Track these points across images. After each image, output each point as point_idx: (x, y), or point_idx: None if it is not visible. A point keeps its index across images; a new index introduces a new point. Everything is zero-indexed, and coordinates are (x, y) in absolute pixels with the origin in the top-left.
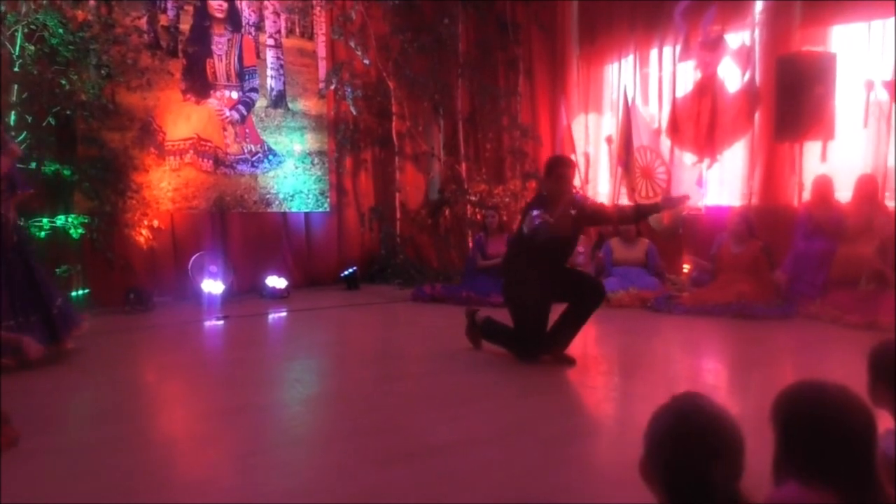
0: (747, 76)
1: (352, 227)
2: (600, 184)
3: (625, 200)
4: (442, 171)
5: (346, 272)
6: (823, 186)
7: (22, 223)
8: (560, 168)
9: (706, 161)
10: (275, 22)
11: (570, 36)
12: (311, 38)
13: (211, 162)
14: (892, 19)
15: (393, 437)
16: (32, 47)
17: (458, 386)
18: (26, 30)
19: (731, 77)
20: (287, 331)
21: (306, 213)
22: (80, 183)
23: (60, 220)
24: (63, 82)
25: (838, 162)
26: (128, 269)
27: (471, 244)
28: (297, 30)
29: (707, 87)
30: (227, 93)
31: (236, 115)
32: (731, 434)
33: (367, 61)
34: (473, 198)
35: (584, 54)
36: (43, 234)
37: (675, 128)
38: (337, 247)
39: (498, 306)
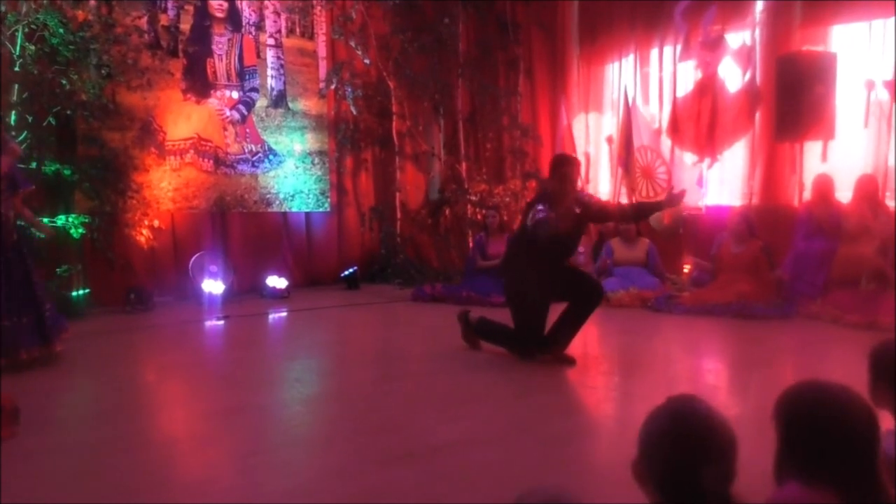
0: (748, 76)
1: (352, 226)
2: (601, 184)
3: (625, 200)
4: (442, 171)
5: (346, 272)
6: (823, 186)
7: (21, 223)
8: (564, 167)
9: (706, 161)
10: (275, 21)
11: (570, 35)
12: (311, 37)
13: (211, 162)
14: (893, 19)
15: (393, 436)
16: (33, 47)
17: (458, 386)
18: (27, 29)
19: (732, 77)
20: (287, 330)
21: (307, 213)
22: (81, 183)
23: (61, 220)
24: (63, 82)
25: (839, 162)
26: (128, 268)
27: (471, 244)
28: (298, 29)
29: (707, 87)
30: (227, 92)
31: (237, 115)
32: (724, 437)
33: (367, 61)
34: (474, 197)
35: (584, 54)
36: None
37: (675, 127)
38: (337, 246)
39: (498, 306)
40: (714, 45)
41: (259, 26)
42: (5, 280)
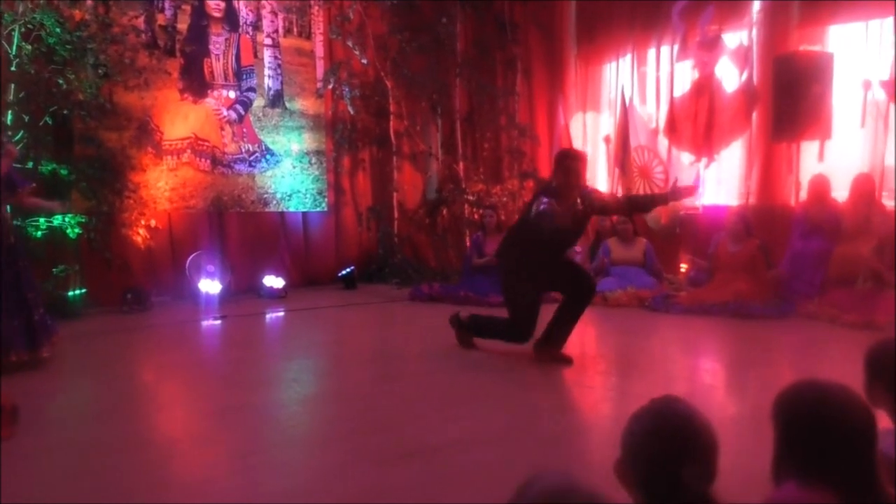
0: (745, 76)
1: (349, 226)
2: (598, 183)
3: None
4: (440, 171)
5: (343, 272)
6: (820, 186)
7: (19, 223)
8: (569, 161)
9: (704, 160)
10: (272, 21)
11: (568, 35)
12: (308, 37)
13: (208, 161)
14: (890, 19)
15: (391, 436)
16: (29, 46)
17: (456, 385)
18: (23, 29)
19: (729, 77)
20: (285, 330)
21: (304, 213)
22: (78, 182)
23: (57, 220)
24: (60, 81)
25: (835, 161)
26: (125, 268)
27: (468, 244)
28: (295, 29)
29: (705, 87)
30: (224, 92)
31: (234, 115)
32: (703, 437)
33: (364, 61)
34: (471, 197)
35: (581, 54)
36: (40, 233)
37: (672, 127)
38: (335, 246)
39: (496, 306)
40: (711, 45)
41: (256, 26)
42: None
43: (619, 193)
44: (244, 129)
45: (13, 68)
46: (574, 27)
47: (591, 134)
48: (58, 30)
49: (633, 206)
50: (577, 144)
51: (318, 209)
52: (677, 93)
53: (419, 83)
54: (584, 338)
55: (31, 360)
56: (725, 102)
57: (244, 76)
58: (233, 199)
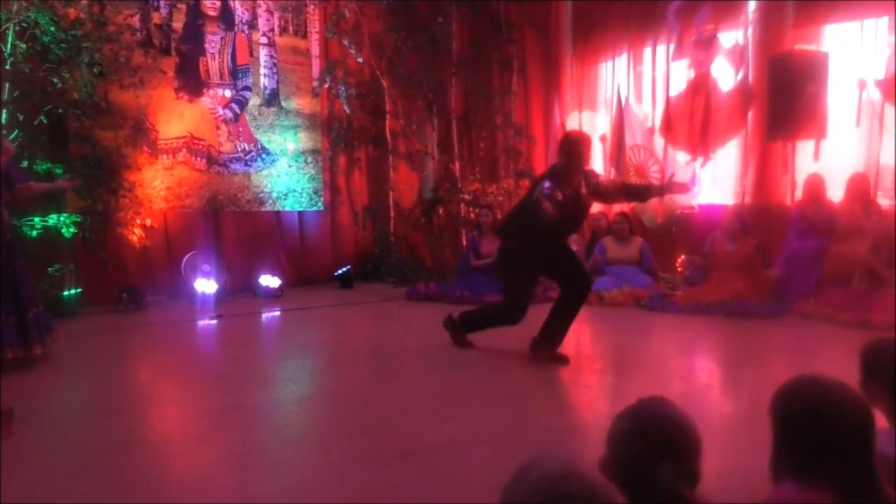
0: (740, 75)
1: (345, 225)
2: None
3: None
4: (436, 170)
5: (339, 271)
6: (815, 185)
7: (15, 222)
8: (572, 144)
9: (699, 160)
10: (268, 20)
11: (563, 34)
12: (304, 36)
13: (204, 160)
14: (885, 18)
15: (388, 436)
16: (24, 45)
17: (452, 385)
18: (18, 28)
19: (725, 76)
20: (281, 330)
21: (300, 212)
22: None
23: (53, 219)
24: (55, 80)
25: (831, 160)
26: (121, 268)
27: (465, 243)
28: (291, 28)
29: (700, 86)
30: (220, 91)
31: (229, 114)
32: (681, 436)
33: (360, 60)
34: (467, 196)
35: (577, 53)
36: (35, 233)
37: (668, 126)
38: (331, 245)
39: None
40: (707, 45)
41: (252, 25)
42: None
43: (614, 176)
44: (240, 128)
45: (8, 67)
46: (570, 26)
47: (587, 133)
48: (52, 28)
49: (630, 194)
50: None
51: (314, 208)
52: (673, 92)
53: (415, 82)
54: (580, 337)
55: (25, 358)
56: (721, 102)
57: (240, 75)
58: (228, 199)
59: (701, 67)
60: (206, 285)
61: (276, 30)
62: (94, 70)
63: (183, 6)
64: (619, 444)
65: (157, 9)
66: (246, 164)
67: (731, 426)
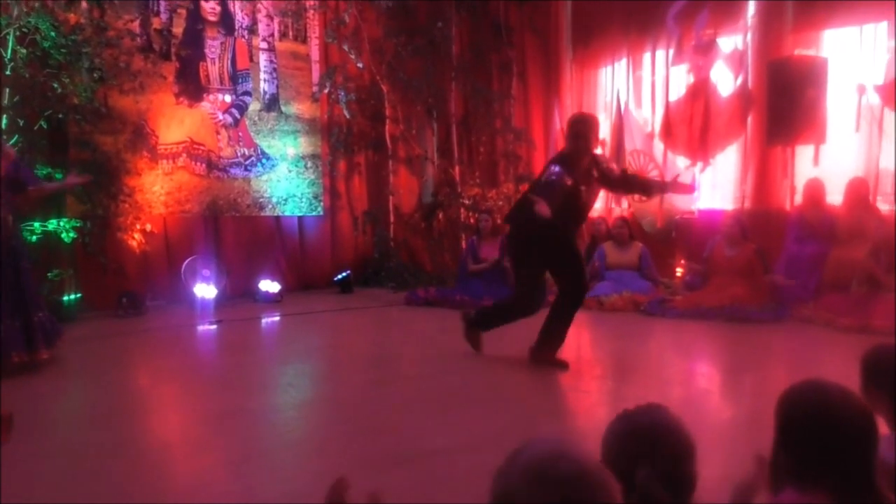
0: (740, 80)
1: (345, 230)
2: None
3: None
4: (435, 175)
5: (339, 276)
6: (815, 190)
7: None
8: (578, 125)
9: (699, 164)
10: (268, 25)
11: (563, 39)
12: (304, 41)
13: (204, 165)
14: (884, 23)
15: (387, 441)
16: (24, 50)
17: (452, 389)
18: (18, 33)
19: (724, 81)
20: (281, 335)
21: (300, 217)
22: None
23: (52, 224)
24: (55, 85)
25: (830, 165)
26: (120, 273)
27: (464, 247)
28: (291, 33)
29: (700, 91)
30: (220, 96)
31: (229, 119)
32: (670, 443)
33: (360, 65)
34: (467, 201)
35: (577, 57)
36: (35, 238)
37: (668, 131)
38: (330, 250)
39: None
40: (706, 49)
41: (252, 30)
42: None
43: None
44: (240, 133)
45: (8, 72)
46: (570, 31)
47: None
48: (53, 33)
49: (632, 185)
50: None
51: (314, 213)
52: (672, 97)
53: (415, 87)
54: (579, 342)
55: (31, 362)
56: (720, 106)
57: (240, 80)
58: (228, 204)
59: (700, 72)
60: (205, 290)
61: (276, 35)
62: (95, 75)
63: (183, 11)
64: (605, 444)
65: (158, 14)
66: (246, 169)
67: (731, 431)
